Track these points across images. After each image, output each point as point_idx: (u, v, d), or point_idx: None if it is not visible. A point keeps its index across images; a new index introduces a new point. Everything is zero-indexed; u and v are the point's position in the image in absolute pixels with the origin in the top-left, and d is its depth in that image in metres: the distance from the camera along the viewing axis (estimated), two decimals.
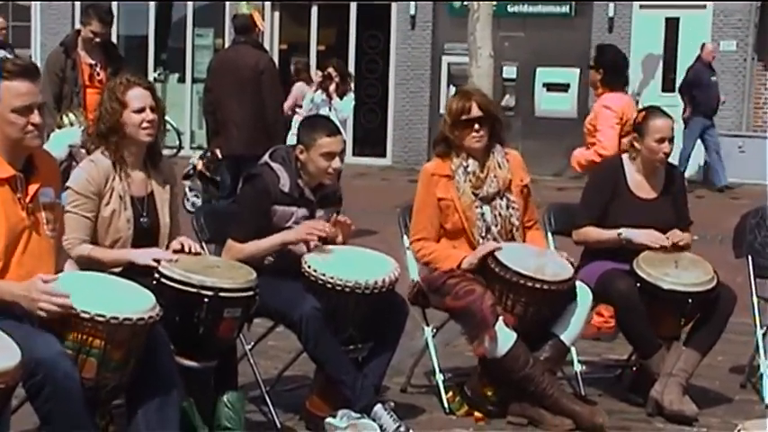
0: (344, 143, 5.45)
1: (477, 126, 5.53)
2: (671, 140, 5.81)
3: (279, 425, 5.15)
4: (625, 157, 5.94)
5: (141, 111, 4.80)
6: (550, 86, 18.50)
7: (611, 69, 7.37)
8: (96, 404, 4.21)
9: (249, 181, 5.35)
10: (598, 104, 7.35)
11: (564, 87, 18.63)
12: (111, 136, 4.82)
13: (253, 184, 5.30)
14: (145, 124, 4.81)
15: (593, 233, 5.83)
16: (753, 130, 18.12)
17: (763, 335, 6.00)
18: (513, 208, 5.59)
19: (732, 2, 17.86)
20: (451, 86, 18.34)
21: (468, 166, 5.57)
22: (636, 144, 5.87)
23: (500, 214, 5.55)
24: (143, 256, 4.70)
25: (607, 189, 5.86)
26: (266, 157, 5.36)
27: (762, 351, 5.95)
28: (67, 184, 4.81)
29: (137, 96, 4.82)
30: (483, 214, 5.53)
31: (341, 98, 11.16)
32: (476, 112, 5.54)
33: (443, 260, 5.51)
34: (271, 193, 5.22)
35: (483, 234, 5.51)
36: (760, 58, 18.03)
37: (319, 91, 11.23)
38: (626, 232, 5.72)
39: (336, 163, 5.28)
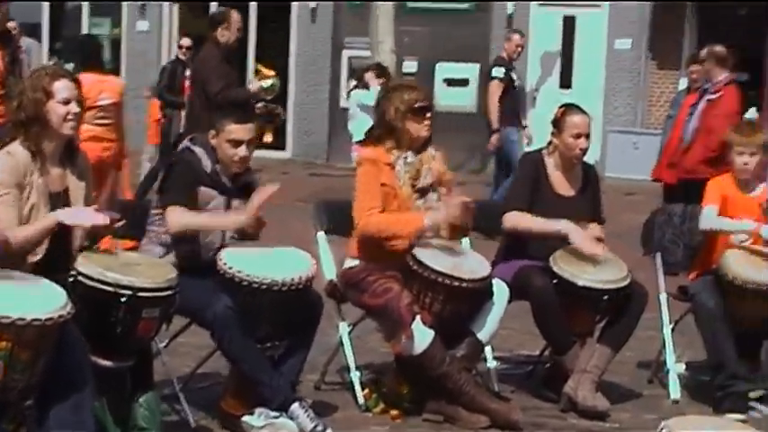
0: (254, 131, 5.34)
1: (428, 114, 5.56)
2: (587, 137, 5.87)
3: (193, 423, 5.07)
4: (545, 152, 5.98)
5: (67, 102, 4.66)
6: (450, 82, 18.60)
7: (85, 57, 9.14)
8: (5, 407, 4.08)
9: (172, 164, 5.27)
10: None
11: (464, 83, 18.77)
12: (31, 125, 4.64)
13: (177, 164, 5.23)
14: (70, 116, 4.65)
15: (528, 218, 5.77)
16: (646, 127, 18.41)
17: (671, 331, 6.09)
18: (442, 201, 5.58)
19: (627, 1, 18.15)
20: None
21: (407, 157, 5.55)
22: (554, 140, 5.92)
23: (431, 207, 5.53)
24: (69, 216, 4.56)
25: (531, 182, 5.88)
26: (186, 142, 5.29)
27: (669, 347, 6.04)
28: None
29: (64, 87, 4.67)
30: (418, 207, 5.52)
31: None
32: (426, 100, 5.57)
33: (404, 223, 5.41)
34: (196, 170, 5.14)
35: None
36: (653, 56, 18.33)
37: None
38: (566, 226, 5.72)
39: (242, 151, 5.19)
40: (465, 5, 18.94)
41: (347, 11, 19.13)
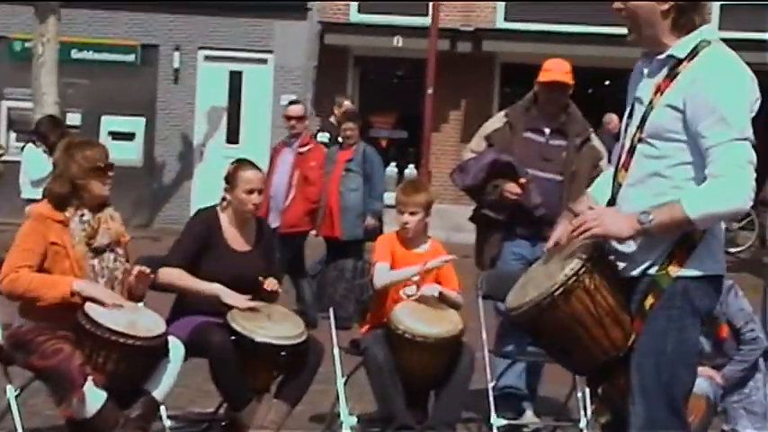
0: None
1: (110, 173, 5.46)
2: (260, 192, 5.93)
3: None
4: (219, 208, 5.98)
5: None
6: (116, 135, 18.31)
7: None
8: None
9: None
10: None
11: (129, 136, 18.53)
12: None
13: None
14: None
15: (184, 277, 5.77)
16: None
17: (344, 384, 6.21)
18: (119, 261, 5.51)
19: (292, 59, 18.52)
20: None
21: (83, 215, 5.41)
22: (227, 195, 5.94)
23: (107, 267, 5.43)
24: None
25: (200, 238, 5.87)
26: None
27: (342, 400, 6.16)
28: None
29: None
30: (93, 266, 5.39)
31: None
32: (107, 158, 5.48)
33: (50, 286, 5.22)
34: None
35: None
36: (318, 113, 18.79)
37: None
38: (218, 288, 5.73)
39: None
40: (130, 58, 18.73)
41: (7, 60, 18.48)
